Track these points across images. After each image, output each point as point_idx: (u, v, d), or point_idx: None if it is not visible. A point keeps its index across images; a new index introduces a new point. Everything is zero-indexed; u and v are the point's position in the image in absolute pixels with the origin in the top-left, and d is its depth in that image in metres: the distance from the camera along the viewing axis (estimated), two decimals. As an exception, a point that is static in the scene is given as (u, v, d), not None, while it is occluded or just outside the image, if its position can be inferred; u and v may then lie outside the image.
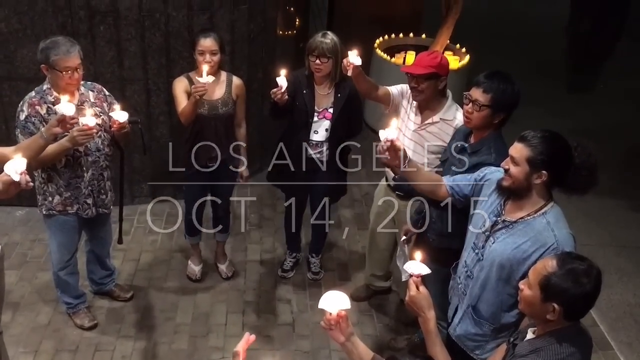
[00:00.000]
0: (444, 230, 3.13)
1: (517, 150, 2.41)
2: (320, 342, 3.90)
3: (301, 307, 4.18)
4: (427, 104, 3.37)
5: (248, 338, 2.08)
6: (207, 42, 3.60)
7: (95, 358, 3.71)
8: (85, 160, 3.42)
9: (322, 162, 3.96)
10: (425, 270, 2.23)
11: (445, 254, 3.09)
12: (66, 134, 3.08)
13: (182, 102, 3.71)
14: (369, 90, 3.58)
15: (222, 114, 3.81)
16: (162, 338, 3.87)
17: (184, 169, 3.98)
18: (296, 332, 3.98)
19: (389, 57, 6.26)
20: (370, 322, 4.10)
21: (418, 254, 2.27)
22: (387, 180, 3.79)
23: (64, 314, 3.96)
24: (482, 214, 2.61)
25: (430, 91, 3.28)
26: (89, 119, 3.07)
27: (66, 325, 3.91)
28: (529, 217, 2.45)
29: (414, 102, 3.43)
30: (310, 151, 3.92)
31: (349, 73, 3.34)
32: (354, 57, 3.29)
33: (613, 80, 8.15)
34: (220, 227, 4.33)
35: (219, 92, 3.79)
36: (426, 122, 3.38)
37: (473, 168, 2.88)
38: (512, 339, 2.25)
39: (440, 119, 3.35)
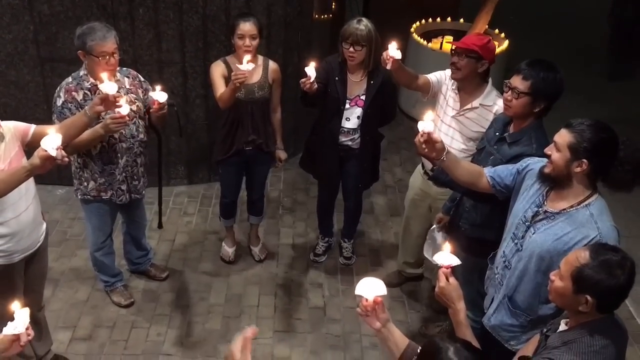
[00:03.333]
0: (477, 220, 3.11)
1: (561, 136, 2.38)
2: (351, 326, 3.93)
3: (332, 292, 4.21)
4: (466, 88, 3.34)
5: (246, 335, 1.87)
6: (247, 26, 3.61)
7: (131, 335, 3.81)
8: (120, 147, 3.46)
9: (354, 149, 3.96)
10: (455, 261, 2.21)
11: (477, 244, 3.08)
12: (101, 120, 3.14)
13: (220, 86, 3.73)
14: (409, 82, 3.57)
15: (258, 98, 3.83)
16: (195, 318, 3.95)
17: (220, 152, 4.02)
18: (327, 316, 4.01)
19: (425, 42, 6.18)
20: (402, 308, 4.11)
21: (447, 245, 2.26)
22: (423, 167, 3.76)
23: (101, 291, 4.07)
24: (523, 204, 2.57)
25: (468, 70, 3.24)
26: (123, 108, 3.09)
27: (104, 303, 4.02)
28: (571, 209, 2.40)
29: (454, 87, 3.41)
30: (342, 138, 3.91)
31: (389, 66, 3.30)
32: (393, 51, 3.25)
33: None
34: (254, 210, 4.39)
35: (255, 76, 3.81)
36: (465, 107, 3.35)
37: (513, 159, 2.84)
38: (544, 330, 2.23)
39: (480, 104, 3.32)
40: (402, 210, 5.09)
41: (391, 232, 4.85)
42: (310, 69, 3.42)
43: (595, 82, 7.26)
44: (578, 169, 2.35)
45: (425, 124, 2.59)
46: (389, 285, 4.16)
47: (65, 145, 3.25)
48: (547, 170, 2.44)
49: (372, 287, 2.06)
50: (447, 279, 2.20)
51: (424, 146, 2.62)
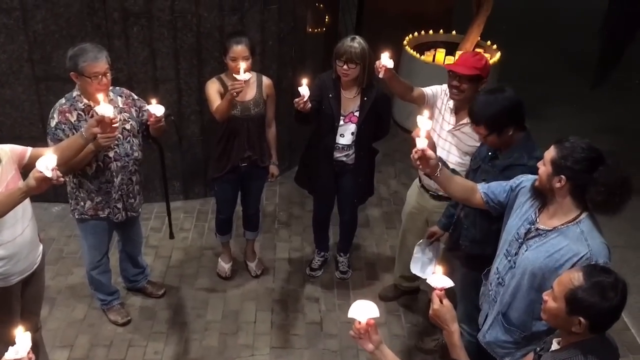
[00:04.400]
0: (477, 237, 3.13)
1: (549, 151, 2.45)
2: (348, 341, 3.94)
3: (329, 306, 4.22)
4: (463, 105, 3.38)
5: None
6: (239, 49, 3.64)
7: (128, 353, 3.81)
8: (115, 166, 3.47)
9: (349, 164, 3.99)
10: (448, 283, 2.23)
11: (477, 259, 3.10)
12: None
13: (215, 100, 3.75)
14: (403, 92, 3.61)
15: (254, 115, 3.85)
16: (193, 335, 3.95)
17: (216, 169, 4.04)
18: (324, 331, 4.02)
19: (418, 55, 6.23)
20: (398, 322, 4.12)
21: (439, 268, 2.28)
22: (420, 181, 3.80)
23: (98, 310, 4.07)
24: (515, 221, 2.61)
25: (471, 92, 3.29)
26: (106, 110, 3.01)
27: (101, 321, 4.02)
28: (562, 226, 2.44)
29: (449, 103, 3.46)
30: (337, 154, 3.94)
31: (381, 75, 3.35)
32: (386, 60, 3.30)
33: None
34: (250, 225, 4.41)
35: (250, 93, 3.84)
36: (461, 122, 3.40)
37: (506, 169, 2.90)
38: (537, 349, 2.25)
39: None
40: (397, 222, 5.12)
41: (387, 245, 4.88)
42: (304, 89, 3.45)
43: (588, 91, 7.32)
44: (558, 184, 2.40)
45: (420, 140, 2.63)
46: (385, 299, 4.28)
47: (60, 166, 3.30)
48: (536, 183, 2.52)
49: (364, 309, 2.08)
50: (440, 301, 2.21)
51: (418, 163, 2.67)
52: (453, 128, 3.43)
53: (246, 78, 3.46)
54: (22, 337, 2.09)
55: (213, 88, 3.80)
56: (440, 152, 3.50)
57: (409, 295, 4.32)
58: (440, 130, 3.49)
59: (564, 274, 2.09)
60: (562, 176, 2.38)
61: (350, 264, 4.54)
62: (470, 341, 3.13)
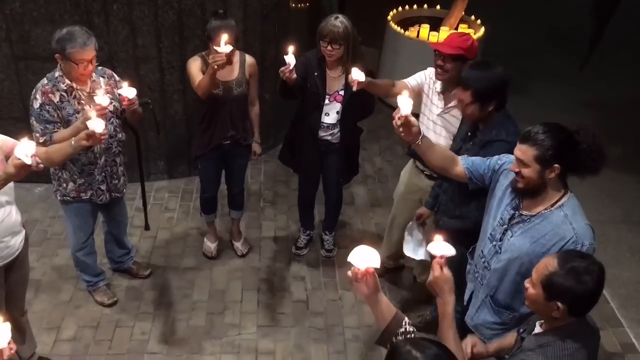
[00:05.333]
0: (454, 212, 3.17)
1: (523, 151, 2.42)
2: (333, 319, 3.98)
3: (315, 285, 4.26)
4: (450, 87, 3.41)
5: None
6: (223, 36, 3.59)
7: (115, 334, 3.82)
8: (98, 148, 3.44)
9: (334, 143, 3.99)
10: (450, 251, 2.19)
11: (456, 234, 3.12)
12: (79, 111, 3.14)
13: (197, 78, 3.69)
14: (385, 93, 3.66)
15: (236, 94, 3.83)
16: (179, 315, 3.97)
17: (199, 147, 4.02)
18: (310, 309, 4.06)
19: (402, 30, 6.19)
20: (383, 299, 4.16)
21: (438, 236, 2.23)
22: (415, 161, 3.82)
23: (84, 291, 4.07)
24: (499, 205, 2.63)
25: (455, 72, 3.30)
26: (102, 99, 3.09)
27: (87, 302, 4.02)
28: (546, 211, 2.46)
29: (436, 87, 3.48)
30: (322, 133, 3.94)
31: (355, 89, 3.33)
32: (357, 74, 3.28)
33: (634, 52, 8.01)
34: (234, 204, 4.41)
35: (233, 73, 3.80)
36: (449, 105, 3.43)
37: (484, 147, 2.93)
38: (521, 330, 2.29)
39: None
40: (382, 200, 5.17)
41: (372, 223, 4.91)
42: (290, 57, 3.42)
43: (570, 67, 7.33)
44: (552, 175, 2.41)
45: (404, 105, 2.55)
46: (383, 272, 4.25)
47: (49, 145, 3.27)
48: (520, 185, 2.49)
49: (366, 256, 1.98)
50: (441, 269, 2.18)
51: (400, 130, 2.62)
52: (442, 111, 3.46)
53: (227, 50, 3.37)
54: (1, 327, 2.06)
55: (195, 65, 3.76)
56: (430, 136, 3.51)
57: (394, 272, 4.37)
58: (430, 114, 3.53)
59: (541, 262, 2.12)
60: (555, 165, 2.38)
61: (335, 242, 4.56)
62: (455, 316, 3.19)
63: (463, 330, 2.78)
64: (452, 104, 3.39)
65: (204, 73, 3.70)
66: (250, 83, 3.93)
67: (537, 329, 2.19)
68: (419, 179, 3.77)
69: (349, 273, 2.02)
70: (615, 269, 4.54)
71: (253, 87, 3.97)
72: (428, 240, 3.58)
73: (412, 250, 3.69)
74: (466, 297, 2.90)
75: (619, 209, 5.23)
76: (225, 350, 3.74)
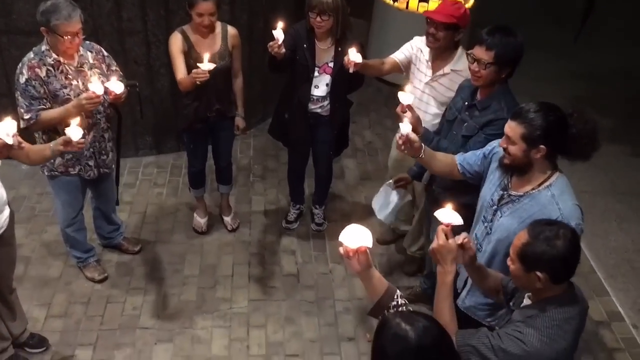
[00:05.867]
0: (449, 184, 3.15)
1: (512, 128, 2.41)
2: (324, 292, 4.01)
3: (305, 258, 4.27)
4: (439, 56, 3.42)
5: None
6: (204, 6, 3.55)
7: (107, 310, 3.83)
8: (86, 123, 3.40)
9: (323, 116, 3.97)
10: (457, 220, 2.17)
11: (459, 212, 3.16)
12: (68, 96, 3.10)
13: (179, 65, 3.69)
14: (377, 72, 3.72)
15: (220, 67, 3.78)
16: (171, 290, 3.98)
17: (184, 121, 3.99)
18: (301, 283, 4.08)
19: (391, 1, 6.12)
20: (373, 272, 4.19)
21: (449, 204, 2.22)
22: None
23: (74, 267, 4.06)
24: (489, 187, 2.64)
25: (447, 41, 3.32)
26: (97, 87, 3.09)
27: (77, 278, 4.01)
28: (533, 191, 2.46)
29: (424, 55, 3.48)
30: (312, 106, 3.91)
31: (351, 70, 3.37)
32: (354, 55, 3.31)
33: (625, 22, 7.98)
34: (223, 179, 4.40)
35: (215, 46, 3.76)
36: (437, 73, 3.44)
37: (486, 125, 2.92)
38: (511, 304, 2.31)
39: (451, 70, 3.41)
40: (372, 173, 5.17)
41: (362, 196, 4.91)
42: (278, 32, 3.39)
43: (563, 38, 7.32)
44: (537, 155, 2.40)
45: (404, 126, 2.70)
46: (383, 242, 4.36)
47: (34, 123, 3.24)
48: (507, 161, 2.49)
49: (358, 235, 1.97)
50: (446, 237, 2.17)
51: (402, 148, 2.75)
52: (430, 79, 3.46)
53: (210, 68, 3.42)
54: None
55: (176, 46, 3.71)
56: (418, 104, 3.54)
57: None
58: (419, 83, 3.53)
59: (515, 238, 2.12)
60: (541, 146, 2.37)
61: (325, 216, 4.57)
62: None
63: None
64: (441, 72, 3.41)
65: (184, 52, 3.69)
66: (234, 55, 3.88)
67: (526, 302, 2.21)
68: None
69: (341, 250, 2.02)
70: (602, 239, 4.59)
71: (236, 58, 3.93)
72: (397, 207, 3.65)
73: (378, 208, 3.71)
74: (460, 284, 2.88)
75: (607, 179, 5.27)
76: (217, 324, 3.76)
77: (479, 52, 2.82)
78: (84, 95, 3.14)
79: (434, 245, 2.18)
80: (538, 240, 2.02)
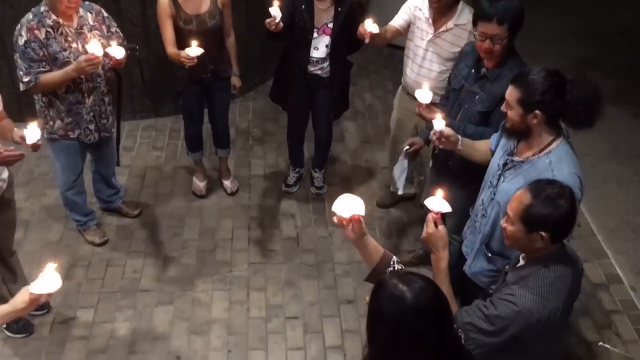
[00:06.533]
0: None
1: (510, 92, 2.40)
2: (324, 255, 4.02)
3: (305, 222, 4.27)
4: (441, 12, 3.38)
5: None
6: None
7: (107, 273, 3.84)
8: (86, 87, 3.41)
9: (323, 78, 3.92)
10: (446, 208, 2.20)
11: (468, 177, 3.13)
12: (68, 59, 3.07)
13: (168, 34, 3.69)
14: (383, 42, 3.70)
15: (211, 27, 3.73)
16: (171, 253, 3.99)
17: (179, 83, 3.96)
18: (300, 246, 4.09)
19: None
20: (373, 235, 4.12)
21: (439, 191, 2.24)
22: (405, 87, 3.81)
23: (74, 231, 4.06)
24: (499, 153, 2.62)
25: (449, 0, 3.31)
26: (95, 48, 3.07)
27: (77, 242, 4.02)
28: (534, 157, 2.44)
29: (423, 13, 3.44)
30: (311, 68, 3.86)
31: (367, 41, 3.38)
32: (370, 26, 3.31)
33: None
34: (220, 142, 4.38)
35: (204, 5, 3.70)
36: (440, 30, 3.40)
37: (503, 99, 2.85)
38: (505, 267, 2.31)
39: (455, 25, 3.37)
40: (372, 136, 5.14)
41: (362, 159, 4.89)
42: (275, 9, 3.36)
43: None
44: (534, 121, 2.38)
45: (437, 122, 2.71)
46: (382, 206, 4.37)
47: (33, 86, 3.20)
48: (507, 125, 2.48)
49: (350, 204, 1.99)
50: (436, 225, 2.19)
51: (440, 145, 2.75)
52: (433, 36, 3.43)
53: (198, 53, 3.45)
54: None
55: (163, 11, 3.66)
56: (421, 63, 3.53)
57: (406, 201, 4.36)
58: (421, 42, 3.50)
59: (513, 198, 2.12)
60: (537, 111, 2.35)
61: (325, 179, 4.55)
62: (460, 248, 3.27)
63: (465, 283, 2.85)
64: (444, 28, 3.38)
65: (171, 16, 3.65)
66: (224, 13, 3.82)
67: (521, 262, 2.21)
68: (411, 105, 3.72)
69: (335, 219, 2.04)
70: (602, 202, 4.58)
71: (227, 16, 3.87)
72: (409, 175, 3.62)
73: (397, 178, 3.67)
74: (467, 250, 2.89)
75: (607, 142, 5.22)
76: (217, 287, 3.78)
77: (490, 28, 2.74)
78: (83, 57, 3.11)
79: (424, 234, 2.21)
80: (542, 200, 2.01)
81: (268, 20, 3.41)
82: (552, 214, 2.00)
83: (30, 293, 2.06)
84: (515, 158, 2.51)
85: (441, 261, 2.19)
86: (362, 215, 2.01)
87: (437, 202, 2.20)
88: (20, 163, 4.45)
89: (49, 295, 2.08)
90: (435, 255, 2.21)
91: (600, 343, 2.89)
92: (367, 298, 1.75)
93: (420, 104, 2.93)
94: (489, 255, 2.69)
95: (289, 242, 4.13)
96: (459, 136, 2.77)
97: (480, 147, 2.85)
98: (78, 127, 3.51)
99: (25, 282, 3.50)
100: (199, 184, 4.43)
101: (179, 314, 3.61)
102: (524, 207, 2.04)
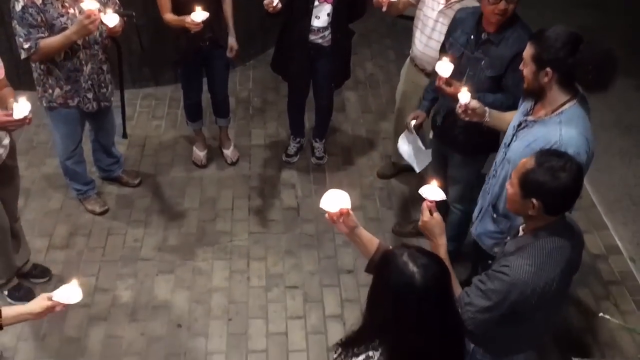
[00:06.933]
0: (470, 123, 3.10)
1: (526, 50, 2.39)
2: (324, 225, 4.01)
3: (305, 192, 4.27)
4: None
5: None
6: None
7: (108, 242, 3.86)
8: (84, 54, 3.37)
9: (325, 47, 3.87)
10: (440, 196, 2.21)
11: (472, 145, 3.17)
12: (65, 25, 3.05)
13: (164, 6, 3.67)
14: (397, 12, 3.67)
15: None
16: (171, 223, 3.99)
17: (178, 52, 3.93)
18: (301, 216, 4.09)
19: None
20: (373, 205, 4.20)
21: (434, 181, 2.25)
22: (413, 60, 3.77)
23: (74, 200, 4.06)
24: (517, 114, 2.61)
25: None
26: (91, 4, 3.03)
27: (78, 211, 4.03)
28: (546, 117, 2.42)
29: None
30: (312, 37, 3.81)
31: (384, 9, 3.37)
32: None
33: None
34: (220, 112, 4.35)
35: None
36: (452, 0, 3.36)
37: (513, 60, 2.83)
38: (507, 237, 2.31)
39: None
40: (374, 106, 5.10)
41: (363, 129, 4.86)
42: None
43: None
44: (545, 79, 2.35)
45: (463, 95, 2.69)
46: (383, 176, 4.36)
47: (34, 52, 3.17)
48: (524, 85, 2.47)
49: (336, 199, 2.07)
50: (431, 213, 2.20)
51: (466, 118, 2.72)
52: (445, 7, 3.39)
53: (203, 18, 3.40)
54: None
55: None
56: (430, 34, 3.51)
57: (407, 172, 4.30)
58: (431, 13, 3.47)
59: (520, 162, 2.11)
60: (547, 69, 2.33)
61: (326, 149, 4.53)
62: (463, 217, 3.41)
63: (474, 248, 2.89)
64: None
65: None
66: None
67: (520, 233, 2.21)
68: (418, 78, 3.72)
69: (326, 216, 2.10)
70: (604, 173, 4.57)
71: None
72: (417, 146, 3.58)
73: (407, 154, 3.63)
74: (475, 213, 2.89)
75: (611, 113, 5.18)
76: (218, 256, 3.80)
77: (502, 3, 2.76)
78: (82, 15, 3.06)
79: (420, 223, 2.23)
80: (542, 168, 2.00)
81: (266, 1, 3.41)
82: (547, 183, 1.98)
83: (49, 300, 2.09)
84: (529, 118, 2.49)
85: (439, 247, 2.19)
86: (349, 209, 2.07)
87: (432, 190, 2.22)
88: (19, 131, 4.47)
89: (65, 305, 2.12)
90: (433, 243, 2.21)
91: (601, 314, 2.91)
92: None
93: (440, 77, 2.88)
94: (495, 216, 2.69)
95: (290, 212, 4.13)
96: (486, 108, 2.73)
97: (509, 118, 2.79)
98: (77, 95, 3.49)
99: (28, 250, 3.54)
100: (199, 153, 4.41)
101: (180, 282, 3.64)
102: (525, 171, 2.04)
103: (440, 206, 2.30)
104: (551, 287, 2.06)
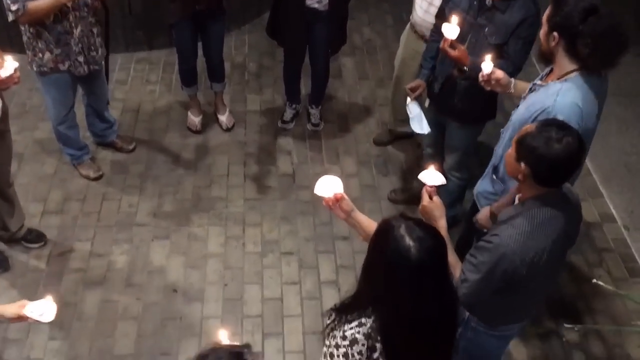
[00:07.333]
0: (471, 90, 3.04)
1: (547, 11, 2.38)
2: (320, 192, 4.01)
3: (301, 159, 4.25)
4: None
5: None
6: None
7: (103, 207, 3.85)
8: (73, 16, 3.31)
9: (321, 11, 3.80)
10: (440, 180, 2.21)
11: (471, 113, 3.16)
12: None
13: None
14: None
15: None
16: (166, 188, 3.98)
17: (172, 15, 3.84)
18: (296, 183, 4.08)
19: None
20: (369, 172, 4.18)
21: (432, 165, 2.25)
22: (413, 27, 3.72)
23: (68, 165, 4.04)
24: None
25: None
26: None
27: (72, 176, 4.00)
28: (551, 82, 2.40)
29: None
30: (309, 2, 3.74)
31: None
32: None
33: None
34: (215, 76, 4.29)
35: None
36: None
37: (518, 27, 2.81)
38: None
39: None
40: (370, 72, 5.05)
41: (359, 96, 4.81)
42: None
43: None
44: (553, 42, 2.34)
45: (486, 65, 2.61)
46: (379, 143, 4.33)
47: (22, 14, 3.11)
48: (542, 48, 2.45)
49: (329, 184, 2.13)
50: (430, 197, 2.21)
51: (488, 87, 2.66)
52: None
53: None
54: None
55: None
56: (431, 0, 3.44)
57: (403, 139, 4.33)
58: None
59: (520, 124, 2.13)
60: (555, 33, 2.31)
61: (322, 116, 4.49)
62: (460, 185, 3.46)
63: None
64: None
65: None
66: None
67: (515, 203, 2.20)
68: (418, 45, 3.65)
69: (324, 203, 2.12)
70: (601, 142, 4.53)
71: None
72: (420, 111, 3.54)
73: (418, 126, 3.58)
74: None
75: (611, 80, 5.13)
76: (213, 222, 3.80)
77: None
78: None
79: (420, 207, 2.24)
80: (540, 135, 1.98)
81: None
82: (538, 149, 1.96)
83: (24, 312, 2.11)
84: (538, 82, 2.48)
85: (440, 230, 2.15)
86: (343, 193, 2.12)
87: (431, 175, 2.23)
88: (12, 94, 4.42)
89: (36, 321, 2.13)
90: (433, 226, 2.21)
91: (594, 280, 2.94)
92: None
93: (445, 39, 2.79)
94: (494, 177, 2.68)
95: (285, 178, 4.12)
96: (512, 79, 2.67)
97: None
98: (68, 58, 3.44)
99: (22, 215, 3.52)
100: (194, 119, 4.37)
101: (175, 248, 3.64)
102: (523, 134, 2.04)
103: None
104: (541, 257, 2.06)
